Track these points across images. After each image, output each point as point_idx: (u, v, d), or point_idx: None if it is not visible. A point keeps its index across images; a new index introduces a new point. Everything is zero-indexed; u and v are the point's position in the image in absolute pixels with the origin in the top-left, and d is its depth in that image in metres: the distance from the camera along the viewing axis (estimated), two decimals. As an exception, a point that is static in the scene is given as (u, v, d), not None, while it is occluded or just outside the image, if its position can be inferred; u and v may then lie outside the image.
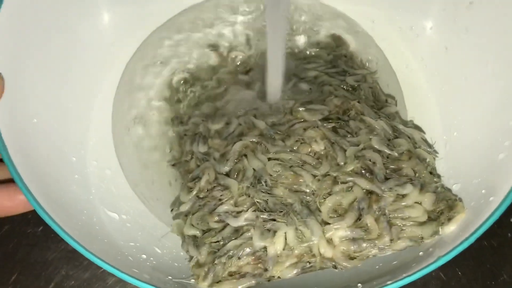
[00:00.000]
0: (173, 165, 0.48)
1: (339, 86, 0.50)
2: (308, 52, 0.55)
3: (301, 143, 0.44)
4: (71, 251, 0.34)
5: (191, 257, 0.40)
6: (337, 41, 0.55)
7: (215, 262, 0.38)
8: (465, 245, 0.34)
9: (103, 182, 0.46)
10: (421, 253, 0.38)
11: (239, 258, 0.38)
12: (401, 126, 0.45)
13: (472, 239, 0.34)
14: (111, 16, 0.49)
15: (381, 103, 0.50)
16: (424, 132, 0.47)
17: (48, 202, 0.36)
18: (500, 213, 0.35)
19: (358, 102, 0.46)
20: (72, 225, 0.36)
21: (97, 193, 0.45)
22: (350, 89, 0.50)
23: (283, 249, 0.38)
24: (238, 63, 0.53)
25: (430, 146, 0.45)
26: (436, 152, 0.44)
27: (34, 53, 0.43)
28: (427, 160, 0.43)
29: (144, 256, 0.41)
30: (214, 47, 0.54)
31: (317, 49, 0.55)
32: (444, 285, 0.46)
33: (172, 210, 0.44)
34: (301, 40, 0.55)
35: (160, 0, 0.51)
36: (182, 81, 0.52)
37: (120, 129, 0.49)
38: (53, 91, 0.44)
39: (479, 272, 0.46)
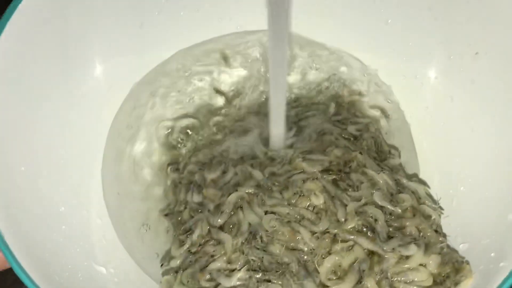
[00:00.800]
0: (166, 215, 0.46)
1: (340, 135, 0.48)
2: (309, 99, 0.53)
3: (300, 196, 0.42)
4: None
5: (179, 319, 0.38)
6: (339, 89, 0.54)
7: (205, 326, 0.36)
8: (474, 316, 0.32)
9: (92, 233, 0.44)
10: (425, 321, 0.35)
11: (230, 322, 0.36)
12: (404, 180, 0.43)
13: (481, 310, 0.32)
14: (104, 67, 0.48)
15: (384, 154, 0.48)
16: (429, 187, 0.45)
17: (27, 259, 0.34)
18: (512, 282, 0.32)
19: (360, 153, 0.45)
20: (53, 283, 0.34)
21: (84, 245, 0.43)
22: (352, 138, 0.48)
23: (278, 315, 0.36)
24: (237, 109, 0.52)
25: (435, 202, 0.43)
26: (441, 208, 0.42)
27: (25, 103, 0.42)
28: (432, 217, 0.41)
29: (129, 315, 0.39)
30: (214, 90, 0.53)
31: (319, 96, 0.53)
32: None
33: (162, 265, 0.42)
34: (302, 86, 0.54)
35: (151, 47, 0.50)
36: (181, 129, 0.51)
37: (109, 174, 0.48)
38: (42, 140, 0.43)
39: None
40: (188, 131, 0.51)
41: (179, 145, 0.50)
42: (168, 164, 0.50)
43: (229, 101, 0.53)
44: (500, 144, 0.42)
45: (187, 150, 0.50)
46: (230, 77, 0.53)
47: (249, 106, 0.52)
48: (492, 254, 0.36)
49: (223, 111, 0.52)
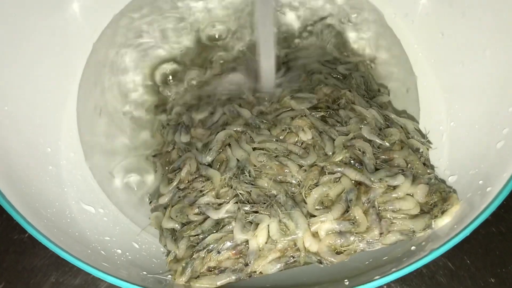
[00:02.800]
0: (154, 156, 0.46)
1: (329, 74, 0.48)
2: (299, 40, 0.52)
3: (288, 132, 0.42)
4: (60, 257, 0.32)
5: (169, 252, 0.38)
6: (330, 29, 0.53)
7: (194, 256, 0.36)
8: (460, 237, 0.32)
9: (81, 175, 0.44)
10: (413, 247, 0.35)
11: (218, 252, 0.36)
12: (393, 116, 0.43)
13: (467, 232, 0.32)
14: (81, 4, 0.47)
15: (373, 92, 0.47)
16: (418, 122, 0.44)
17: (13, 192, 0.34)
18: (498, 203, 0.32)
19: (349, 90, 0.44)
20: (39, 215, 0.34)
21: (72, 185, 0.42)
22: (341, 77, 0.48)
23: (266, 243, 0.36)
24: (226, 51, 0.51)
25: (423, 136, 0.42)
26: (430, 142, 0.42)
27: (5, 43, 0.41)
28: (420, 150, 0.41)
29: (119, 251, 0.39)
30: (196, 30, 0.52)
31: (309, 37, 0.52)
32: (453, 275, 0.43)
33: (150, 202, 0.42)
34: (293, 27, 0.53)
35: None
36: (166, 71, 0.50)
37: (87, 121, 0.47)
38: (26, 80, 0.42)
39: (488, 260, 0.43)
40: (173, 73, 0.50)
41: (164, 88, 0.49)
42: (155, 106, 0.49)
43: (217, 42, 0.52)
44: (490, 77, 0.42)
45: (174, 92, 0.49)
46: (217, 17, 0.52)
47: (239, 47, 0.51)
48: (480, 182, 0.36)
49: (211, 53, 0.51)
